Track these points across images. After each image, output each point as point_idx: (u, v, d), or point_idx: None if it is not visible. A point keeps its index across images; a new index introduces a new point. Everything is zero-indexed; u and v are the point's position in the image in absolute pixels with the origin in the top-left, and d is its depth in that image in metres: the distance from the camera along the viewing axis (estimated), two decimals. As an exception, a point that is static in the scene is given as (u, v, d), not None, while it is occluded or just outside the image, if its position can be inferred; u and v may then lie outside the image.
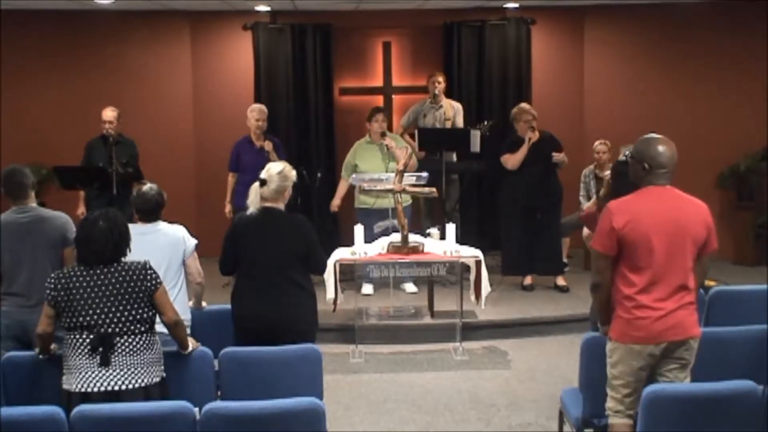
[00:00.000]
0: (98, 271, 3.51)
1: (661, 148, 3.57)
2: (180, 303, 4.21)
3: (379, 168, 7.05)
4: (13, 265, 4.33)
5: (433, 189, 6.33)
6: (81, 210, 7.08)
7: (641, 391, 3.51)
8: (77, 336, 3.49)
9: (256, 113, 7.33)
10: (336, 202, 7.48)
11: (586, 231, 4.90)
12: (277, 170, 4.36)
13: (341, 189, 7.46)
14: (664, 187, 3.60)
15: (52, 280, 3.52)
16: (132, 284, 3.52)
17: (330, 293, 6.00)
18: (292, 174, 4.43)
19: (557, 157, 7.18)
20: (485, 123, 7.83)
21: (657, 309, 3.53)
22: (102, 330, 3.47)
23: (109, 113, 7.25)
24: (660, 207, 3.55)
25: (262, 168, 4.51)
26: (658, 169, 3.56)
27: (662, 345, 3.55)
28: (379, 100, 8.91)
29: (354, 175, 7.03)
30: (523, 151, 7.20)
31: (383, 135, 7.19)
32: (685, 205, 3.60)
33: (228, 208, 7.38)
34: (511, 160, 7.27)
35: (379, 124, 7.22)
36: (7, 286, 4.35)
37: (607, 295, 3.66)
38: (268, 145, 7.18)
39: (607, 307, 3.67)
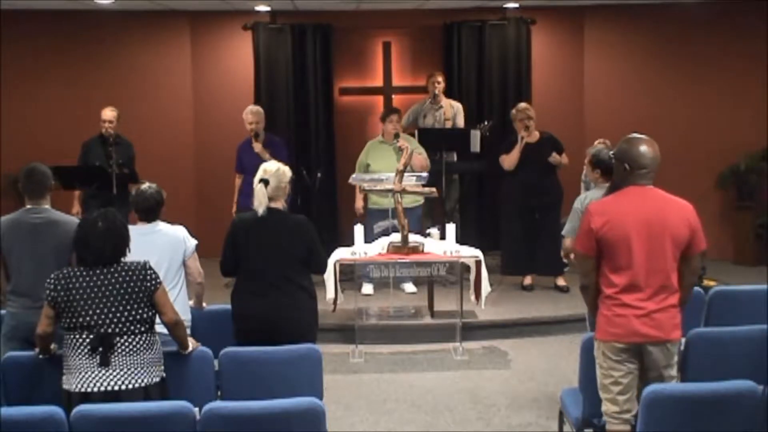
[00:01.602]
0: (98, 272, 3.51)
1: (642, 148, 3.58)
2: (180, 303, 4.21)
3: (393, 168, 7.02)
4: (20, 264, 4.30)
5: (433, 189, 6.33)
6: (76, 209, 7.08)
7: (634, 392, 3.52)
8: (77, 336, 3.49)
9: (249, 116, 7.32)
10: (359, 204, 7.39)
11: (567, 241, 4.89)
12: (273, 169, 4.38)
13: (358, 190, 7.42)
14: (645, 187, 3.61)
15: (52, 281, 3.52)
16: (132, 284, 3.52)
17: (330, 293, 6.00)
18: (287, 170, 4.44)
19: (554, 159, 7.17)
20: (485, 123, 7.83)
21: (637, 308, 3.55)
22: (102, 330, 3.47)
23: (108, 113, 7.25)
24: (639, 207, 3.56)
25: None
26: (638, 170, 3.58)
27: (642, 345, 3.56)
28: (379, 100, 8.91)
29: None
30: (517, 151, 7.20)
31: (397, 136, 7.18)
32: (665, 205, 3.60)
33: (234, 208, 7.37)
34: (507, 161, 7.28)
35: (393, 124, 7.21)
36: (14, 285, 4.33)
37: (595, 296, 3.68)
38: (256, 147, 7.16)
39: (596, 307, 3.70)
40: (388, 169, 6.93)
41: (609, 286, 3.60)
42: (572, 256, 4.33)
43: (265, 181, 4.31)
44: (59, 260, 4.16)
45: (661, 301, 3.56)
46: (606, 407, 3.67)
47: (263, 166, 4.43)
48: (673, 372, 3.66)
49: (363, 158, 7.35)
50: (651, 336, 3.55)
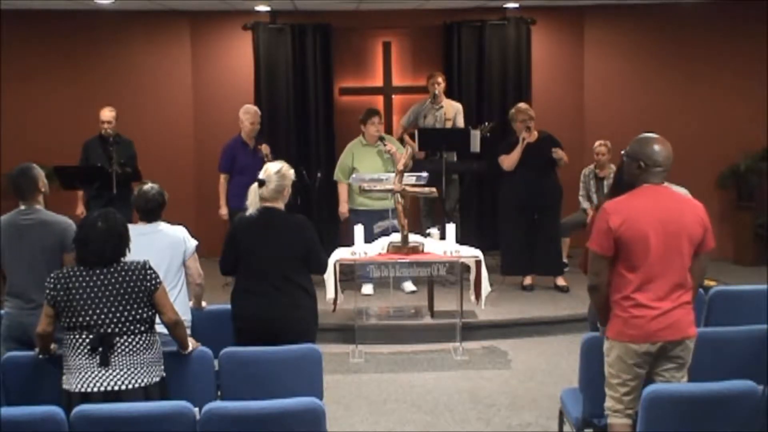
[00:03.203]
0: (98, 271, 3.51)
1: (657, 147, 3.59)
2: (180, 303, 4.21)
3: (379, 169, 7.03)
4: (13, 266, 4.31)
5: (433, 189, 6.33)
6: (80, 210, 7.09)
7: (640, 391, 3.51)
8: (77, 336, 3.49)
9: (250, 116, 7.31)
10: (344, 209, 7.39)
11: None
12: (275, 170, 4.37)
13: (343, 193, 7.37)
14: (660, 186, 3.61)
15: (52, 280, 3.52)
16: (132, 284, 3.52)
17: (330, 293, 6.00)
18: (291, 173, 4.43)
19: (557, 152, 7.15)
20: (485, 124, 7.83)
21: (654, 308, 3.54)
22: (102, 330, 3.47)
23: (107, 113, 7.26)
24: (656, 206, 3.56)
25: (258, 169, 4.52)
26: (653, 168, 3.58)
27: (658, 344, 3.56)
28: (379, 100, 8.91)
29: (354, 176, 7.02)
30: (517, 152, 7.20)
31: (381, 139, 7.16)
32: (681, 203, 3.62)
33: (224, 210, 7.34)
34: (507, 161, 7.27)
35: (375, 126, 7.16)
36: (9, 286, 4.34)
37: (605, 296, 3.66)
38: (265, 149, 7.15)
39: (605, 307, 3.68)
40: (374, 171, 6.93)
41: (624, 285, 3.58)
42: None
43: (260, 182, 4.32)
44: (49, 261, 4.16)
45: (676, 299, 3.56)
46: (610, 404, 3.67)
47: (267, 166, 4.43)
48: (684, 370, 3.66)
49: (346, 161, 7.28)
50: (668, 335, 3.55)
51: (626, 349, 3.58)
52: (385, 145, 7.14)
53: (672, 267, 3.54)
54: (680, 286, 3.57)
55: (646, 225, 3.53)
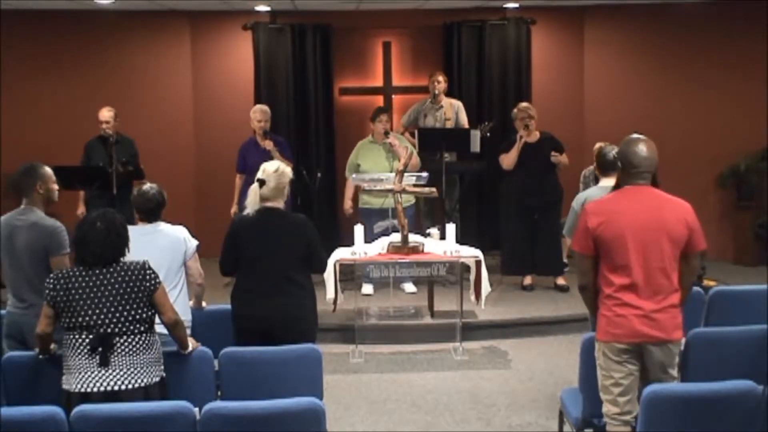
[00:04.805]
0: (97, 272, 3.51)
1: (635, 148, 3.61)
2: (180, 304, 4.21)
3: (383, 167, 7.04)
4: (7, 265, 4.32)
5: (433, 189, 6.33)
6: (81, 210, 7.09)
7: (635, 392, 3.52)
8: (77, 336, 3.49)
9: (258, 114, 7.34)
10: (347, 204, 7.41)
11: (568, 241, 4.96)
12: (272, 169, 4.38)
13: (348, 190, 7.41)
14: (642, 186, 3.63)
15: (51, 280, 3.52)
16: (131, 284, 3.52)
17: (330, 293, 6.00)
18: (288, 171, 4.44)
19: (555, 157, 7.16)
20: (485, 124, 7.83)
21: (637, 308, 3.56)
22: (101, 330, 3.47)
23: (105, 113, 7.26)
24: (635, 206, 3.58)
25: None
26: (631, 169, 3.61)
27: (643, 345, 3.56)
28: (379, 100, 8.90)
29: (354, 175, 7.03)
30: (515, 150, 7.20)
31: (386, 134, 7.18)
32: (662, 204, 3.62)
33: (234, 209, 7.35)
34: (506, 160, 7.28)
35: (383, 124, 7.21)
36: (7, 285, 4.36)
37: (594, 295, 3.69)
38: (268, 144, 7.17)
39: (595, 306, 3.71)
40: (378, 168, 6.95)
41: (608, 285, 3.61)
42: None
43: (261, 182, 4.32)
44: (34, 263, 4.15)
45: (660, 301, 3.56)
46: (606, 408, 3.67)
47: (263, 166, 4.43)
48: (674, 372, 3.66)
49: (353, 159, 7.34)
50: (652, 336, 3.55)
51: (613, 349, 3.61)
52: (387, 139, 7.15)
53: (653, 268, 3.55)
54: (664, 288, 3.57)
55: (624, 225, 3.55)
